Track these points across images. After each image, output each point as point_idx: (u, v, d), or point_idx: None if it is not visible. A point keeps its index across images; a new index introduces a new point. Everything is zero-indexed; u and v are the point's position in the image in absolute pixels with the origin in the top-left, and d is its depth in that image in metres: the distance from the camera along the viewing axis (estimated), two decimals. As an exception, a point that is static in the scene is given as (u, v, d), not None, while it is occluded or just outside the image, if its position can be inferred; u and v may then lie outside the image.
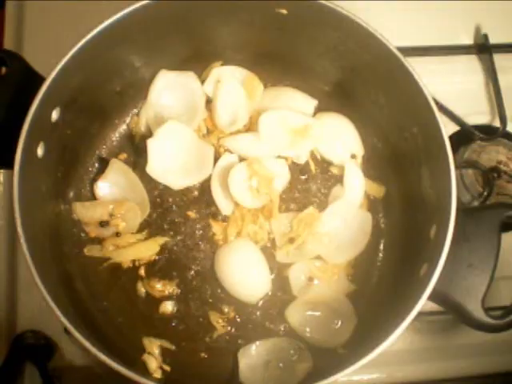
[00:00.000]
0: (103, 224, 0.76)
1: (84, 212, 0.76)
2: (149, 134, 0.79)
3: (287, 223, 0.78)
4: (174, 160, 0.78)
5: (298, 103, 0.83)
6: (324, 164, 0.83)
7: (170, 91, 0.80)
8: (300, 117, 0.80)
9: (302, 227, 0.77)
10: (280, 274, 0.78)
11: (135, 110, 0.83)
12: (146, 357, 0.71)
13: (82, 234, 0.77)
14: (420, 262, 0.66)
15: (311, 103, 0.84)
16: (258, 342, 0.74)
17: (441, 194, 0.66)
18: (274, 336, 0.75)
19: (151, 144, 0.76)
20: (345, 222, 0.78)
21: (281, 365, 0.72)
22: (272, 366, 0.72)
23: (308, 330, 0.74)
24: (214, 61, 0.83)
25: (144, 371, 0.70)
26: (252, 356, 0.73)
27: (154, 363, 0.71)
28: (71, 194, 0.78)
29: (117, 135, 0.82)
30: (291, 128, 0.80)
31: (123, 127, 0.83)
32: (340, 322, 0.74)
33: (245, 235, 0.77)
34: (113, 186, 0.78)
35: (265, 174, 0.76)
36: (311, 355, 0.73)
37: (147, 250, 0.76)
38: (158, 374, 0.70)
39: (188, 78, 0.81)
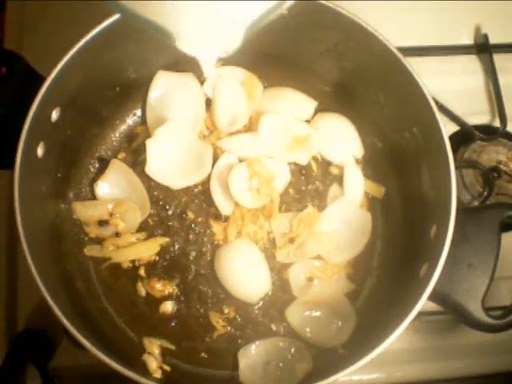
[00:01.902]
0: (103, 223, 0.76)
1: (84, 211, 0.76)
2: (148, 134, 0.79)
3: (287, 223, 0.78)
4: (173, 160, 0.78)
5: (297, 104, 0.83)
6: (324, 164, 0.83)
7: (169, 92, 0.80)
8: (301, 126, 0.81)
9: (301, 227, 0.77)
10: (280, 273, 0.78)
11: (135, 111, 0.83)
12: (145, 357, 0.71)
13: (82, 234, 0.77)
14: (420, 262, 0.66)
15: (311, 104, 0.84)
16: (257, 342, 0.74)
17: (441, 194, 0.67)
18: (274, 336, 0.75)
19: (150, 144, 0.76)
20: (345, 221, 0.78)
21: (281, 365, 0.72)
22: (272, 366, 0.72)
23: (308, 330, 0.74)
24: (214, 61, 0.83)
25: (144, 371, 0.70)
26: (252, 356, 0.73)
27: (154, 363, 0.71)
28: (71, 194, 0.78)
29: (117, 135, 0.82)
30: (291, 135, 0.80)
31: (123, 127, 0.83)
32: (340, 322, 0.74)
33: (245, 235, 0.77)
34: (113, 186, 0.78)
35: (265, 174, 0.76)
36: (311, 355, 0.73)
37: (147, 249, 0.76)
38: (157, 374, 0.70)
39: (187, 79, 0.81)
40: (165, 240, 0.77)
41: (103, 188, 0.78)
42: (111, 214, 0.76)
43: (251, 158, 0.77)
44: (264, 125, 0.79)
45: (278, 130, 0.79)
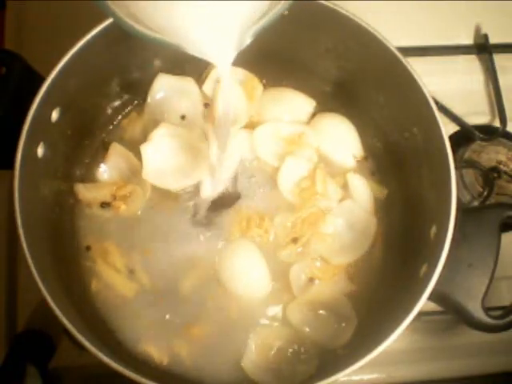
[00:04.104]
0: (104, 205, 0.76)
1: (86, 193, 0.77)
2: (144, 136, 0.79)
3: (291, 223, 0.78)
4: (169, 163, 0.78)
5: (297, 104, 0.83)
6: (326, 165, 0.82)
7: (168, 95, 0.81)
8: (293, 125, 0.81)
9: (305, 227, 0.77)
10: (281, 273, 0.77)
11: (135, 111, 0.83)
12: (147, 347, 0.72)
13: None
14: (420, 262, 0.66)
15: (311, 104, 0.84)
16: (259, 341, 0.73)
17: (441, 194, 0.67)
18: (275, 335, 0.75)
19: (145, 149, 0.76)
20: (348, 223, 0.78)
21: (284, 362, 0.72)
22: (276, 359, 0.72)
23: (308, 329, 0.74)
24: (214, 61, 0.83)
25: (144, 371, 0.70)
26: (254, 353, 0.72)
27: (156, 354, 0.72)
28: (71, 195, 0.77)
29: (117, 135, 0.82)
30: (286, 137, 0.80)
31: (123, 128, 0.82)
32: (341, 323, 0.74)
33: (249, 237, 0.77)
34: (114, 169, 0.79)
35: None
36: (315, 357, 0.73)
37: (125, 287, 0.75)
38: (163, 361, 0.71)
39: (187, 83, 0.81)
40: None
41: (104, 171, 0.79)
42: (114, 196, 0.77)
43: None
44: (258, 136, 0.79)
45: (272, 138, 0.80)
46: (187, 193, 0.79)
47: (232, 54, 0.57)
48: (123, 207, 0.77)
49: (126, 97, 0.81)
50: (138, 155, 0.77)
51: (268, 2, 0.56)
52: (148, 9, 0.51)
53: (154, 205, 0.78)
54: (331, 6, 0.69)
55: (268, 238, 0.77)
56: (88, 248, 0.76)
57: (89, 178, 0.79)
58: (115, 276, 0.75)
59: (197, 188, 0.79)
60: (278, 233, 0.78)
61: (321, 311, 0.75)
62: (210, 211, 0.79)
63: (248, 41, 0.58)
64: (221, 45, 0.56)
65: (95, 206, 0.77)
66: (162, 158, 0.78)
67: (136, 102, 0.83)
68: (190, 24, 0.52)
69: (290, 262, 0.77)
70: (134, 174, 0.79)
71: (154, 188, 0.78)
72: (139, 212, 0.78)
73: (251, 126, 0.82)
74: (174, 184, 0.78)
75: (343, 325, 0.74)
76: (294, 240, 0.77)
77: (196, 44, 0.54)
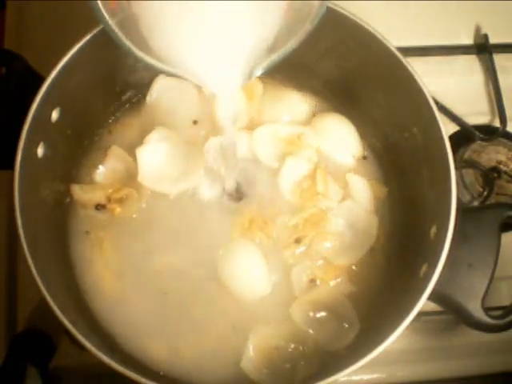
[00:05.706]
0: (99, 207, 0.76)
1: (82, 194, 0.76)
2: (142, 138, 0.79)
3: (293, 223, 0.78)
4: (165, 166, 0.78)
5: (297, 104, 0.83)
6: (326, 165, 0.82)
7: (167, 97, 0.81)
8: (292, 127, 0.81)
9: (308, 227, 0.77)
10: (282, 274, 0.77)
11: (135, 112, 0.83)
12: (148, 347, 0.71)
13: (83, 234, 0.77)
14: (420, 262, 0.66)
15: (310, 104, 0.84)
16: (262, 338, 0.73)
17: (441, 194, 0.67)
18: (276, 336, 0.75)
19: (141, 152, 0.76)
20: (350, 223, 0.78)
21: (283, 362, 0.72)
22: (275, 359, 0.72)
23: (311, 331, 0.74)
24: (214, 61, 0.83)
25: (144, 370, 0.70)
26: (254, 351, 0.72)
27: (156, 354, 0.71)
28: (69, 196, 0.77)
29: (115, 136, 0.82)
30: (285, 138, 0.80)
31: (124, 128, 0.83)
32: (343, 326, 0.74)
33: (250, 238, 0.77)
34: (111, 171, 0.79)
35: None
36: (316, 359, 0.73)
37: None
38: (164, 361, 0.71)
39: (186, 85, 0.81)
40: None
41: (102, 173, 0.78)
42: (109, 199, 0.76)
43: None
44: (257, 141, 0.80)
45: (271, 140, 0.80)
46: (184, 196, 0.79)
47: (236, 88, 0.57)
48: (118, 210, 0.76)
49: (125, 98, 0.81)
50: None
51: (275, 36, 0.56)
52: (156, 39, 0.52)
53: (151, 208, 0.78)
54: (331, 5, 0.69)
55: (269, 241, 0.77)
56: (86, 247, 0.76)
57: (87, 179, 0.79)
58: (105, 274, 0.75)
59: (194, 191, 0.79)
60: (279, 233, 0.77)
61: (323, 312, 0.75)
62: (210, 213, 0.79)
63: (258, 74, 0.58)
64: (225, 79, 0.56)
65: (90, 208, 0.77)
66: (158, 161, 0.77)
67: (135, 103, 0.83)
68: (195, 59, 0.53)
69: (292, 262, 0.77)
70: (131, 178, 0.78)
71: (151, 191, 0.78)
72: (135, 215, 0.77)
73: (251, 126, 0.82)
74: (170, 188, 0.78)
75: (346, 327, 0.74)
76: (297, 240, 0.77)
77: (199, 77, 0.55)
